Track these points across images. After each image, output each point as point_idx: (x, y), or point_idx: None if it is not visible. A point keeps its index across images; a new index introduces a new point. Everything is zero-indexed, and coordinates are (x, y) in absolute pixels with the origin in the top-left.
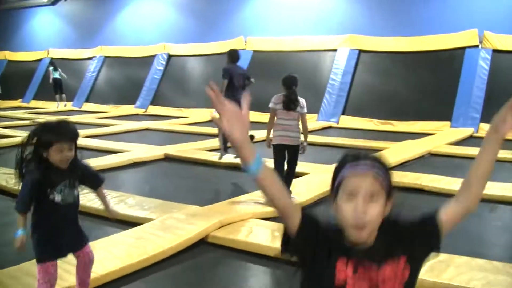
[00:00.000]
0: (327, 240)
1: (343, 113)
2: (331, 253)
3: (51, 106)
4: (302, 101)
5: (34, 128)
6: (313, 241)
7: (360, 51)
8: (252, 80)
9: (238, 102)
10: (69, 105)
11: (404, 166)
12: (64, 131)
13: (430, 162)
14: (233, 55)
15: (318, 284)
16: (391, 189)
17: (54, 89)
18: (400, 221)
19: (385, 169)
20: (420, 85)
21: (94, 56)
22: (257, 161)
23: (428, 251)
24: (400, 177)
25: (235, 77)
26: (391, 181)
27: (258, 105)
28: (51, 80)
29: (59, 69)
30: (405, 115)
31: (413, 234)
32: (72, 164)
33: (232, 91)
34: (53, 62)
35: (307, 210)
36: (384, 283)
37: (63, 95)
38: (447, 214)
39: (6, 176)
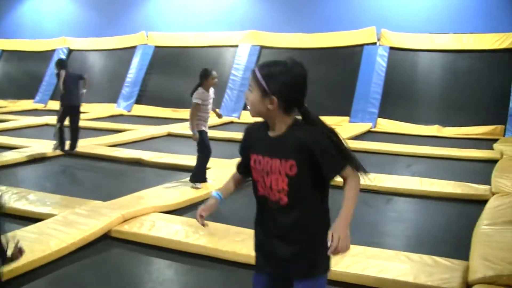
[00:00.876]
0: (248, 139)
1: (244, 108)
2: (248, 151)
3: None
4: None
5: None
6: (242, 147)
7: (261, 47)
8: (86, 76)
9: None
10: None
11: None
12: None
13: None
14: (61, 63)
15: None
16: (267, 91)
17: None
18: (301, 131)
19: (265, 75)
20: (320, 81)
21: None
22: (218, 195)
23: (313, 166)
24: None
25: (70, 82)
26: (269, 84)
27: (160, 100)
28: None
29: None
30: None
31: (306, 147)
32: None
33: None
34: None
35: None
36: (272, 172)
37: None
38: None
39: None
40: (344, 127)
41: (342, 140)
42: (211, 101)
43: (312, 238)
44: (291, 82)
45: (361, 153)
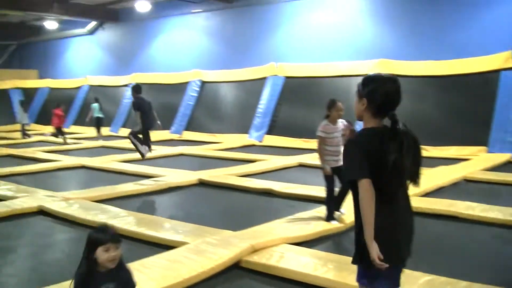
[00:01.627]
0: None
1: None
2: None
3: (89, 131)
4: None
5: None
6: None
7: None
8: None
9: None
10: (107, 131)
11: (438, 192)
12: (108, 233)
13: (465, 188)
14: (137, 88)
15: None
16: (361, 93)
17: (95, 126)
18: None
19: (362, 82)
20: (453, 109)
21: (130, 83)
22: None
23: None
24: (434, 204)
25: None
26: (363, 88)
27: (291, 130)
28: (88, 119)
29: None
30: (439, 140)
31: None
32: (118, 267)
33: (147, 120)
34: (98, 99)
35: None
36: None
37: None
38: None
39: (49, 198)
40: (480, 158)
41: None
42: (338, 134)
43: None
44: (379, 90)
45: (499, 185)
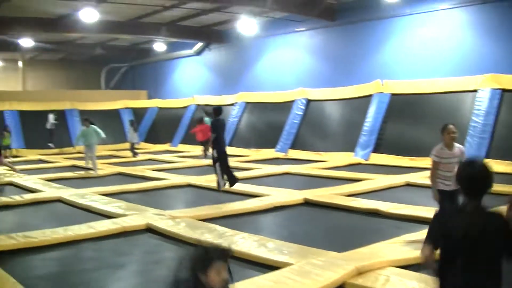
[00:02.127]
0: None
1: (487, 156)
2: None
3: (196, 150)
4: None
5: (193, 251)
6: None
7: (503, 90)
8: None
9: (225, 152)
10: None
11: None
12: (219, 253)
13: None
14: (217, 110)
15: None
16: None
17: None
18: None
19: None
20: None
21: (236, 102)
22: None
23: None
24: None
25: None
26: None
27: (398, 148)
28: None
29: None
30: None
31: None
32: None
33: (221, 143)
34: (208, 112)
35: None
36: None
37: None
38: None
39: (157, 216)
40: None
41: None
42: (454, 160)
43: None
44: (461, 176)
45: None
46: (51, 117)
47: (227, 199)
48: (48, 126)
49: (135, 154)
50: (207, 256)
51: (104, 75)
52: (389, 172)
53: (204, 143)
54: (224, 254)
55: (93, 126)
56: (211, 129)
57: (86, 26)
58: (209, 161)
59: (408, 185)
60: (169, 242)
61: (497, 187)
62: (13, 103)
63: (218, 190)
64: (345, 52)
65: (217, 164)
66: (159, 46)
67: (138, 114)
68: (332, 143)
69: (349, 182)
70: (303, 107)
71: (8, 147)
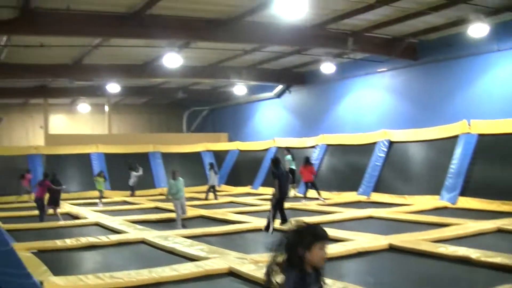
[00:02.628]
0: None
1: None
2: None
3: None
4: None
5: (294, 229)
6: None
7: None
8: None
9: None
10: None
11: None
12: (323, 231)
13: None
14: (275, 161)
15: None
16: None
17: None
18: None
19: None
20: None
21: (317, 144)
22: None
23: None
24: None
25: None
26: None
27: (487, 191)
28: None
29: (291, 157)
30: None
31: None
32: (319, 269)
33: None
34: (289, 149)
35: None
36: None
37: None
38: None
39: (239, 260)
40: None
41: None
42: None
43: None
44: None
45: None
46: (134, 174)
47: None
48: (131, 183)
49: (215, 196)
50: (315, 232)
51: (185, 118)
52: (479, 217)
53: (306, 184)
54: (327, 234)
55: (180, 179)
56: (273, 176)
57: (169, 71)
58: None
59: (500, 231)
60: (251, 287)
61: None
62: (99, 146)
63: (265, 230)
64: (429, 92)
65: (273, 209)
66: (240, 89)
67: (219, 156)
68: (417, 186)
69: (436, 227)
70: (385, 149)
71: (101, 192)
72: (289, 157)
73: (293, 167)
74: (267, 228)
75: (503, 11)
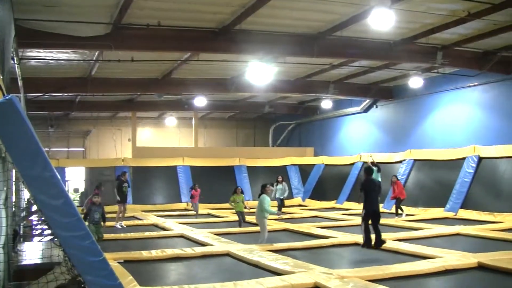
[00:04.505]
0: None
1: None
2: None
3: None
4: None
5: None
6: None
7: None
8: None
9: (375, 211)
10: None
11: None
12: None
13: None
14: (368, 170)
15: None
16: None
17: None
18: None
19: None
20: None
21: (404, 160)
22: None
23: None
24: None
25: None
26: None
27: None
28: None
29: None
30: None
31: None
32: None
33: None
34: (377, 164)
35: None
36: None
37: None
38: None
39: (325, 275)
40: None
41: None
42: None
43: None
44: None
45: None
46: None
47: (397, 260)
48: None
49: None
50: None
51: (271, 132)
52: None
53: (396, 202)
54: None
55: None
56: (361, 188)
57: (256, 85)
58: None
59: None
60: None
61: None
62: (186, 158)
63: (362, 246)
64: None
65: (363, 223)
66: (326, 103)
67: (305, 171)
68: (506, 203)
69: None
70: (474, 165)
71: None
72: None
73: (379, 180)
74: (364, 244)
75: None
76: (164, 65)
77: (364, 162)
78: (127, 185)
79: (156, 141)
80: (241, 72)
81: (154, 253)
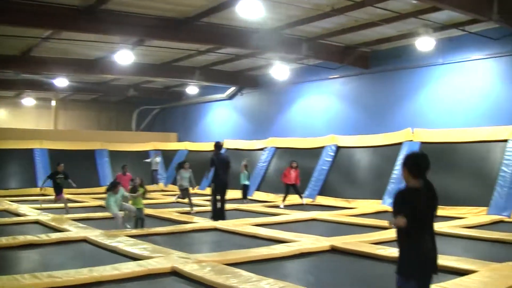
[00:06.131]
0: None
1: None
2: None
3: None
4: None
5: None
6: None
7: None
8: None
9: (223, 186)
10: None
11: None
12: None
13: None
14: (217, 145)
15: None
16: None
17: (242, 194)
18: None
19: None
20: None
21: (266, 147)
22: None
23: None
24: None
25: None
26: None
27: None
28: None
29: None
30: None
31: None
32: None
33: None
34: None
35: None
36: None
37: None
38: None
39: (183, 260)
40: None
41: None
42: None
43: None
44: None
45: None
46: (158, 159)
47: (254, 244)
48: (153, 167)
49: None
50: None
51: (135, 116)
52: None
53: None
54: None
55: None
56: (210, 164)
57: (121, 68)
58: (236, 206)
59: (436, 233)
60: (194, 286)
61: None
62: (44, 141)
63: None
64: (377, 100)
65: (212, 197)
66: (192, 89)
67: (168, 156)
68: (361, 190)
69: (377, 230)
70: (332, 154)
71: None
72: (245, 173)
73: (247, 183)
74: (213, 217)
75: (449, 28)
76: (24, 41)
77: (227, 149)
78: None
79: (12, 122)
80: (106, 53)
81: (5, 240)
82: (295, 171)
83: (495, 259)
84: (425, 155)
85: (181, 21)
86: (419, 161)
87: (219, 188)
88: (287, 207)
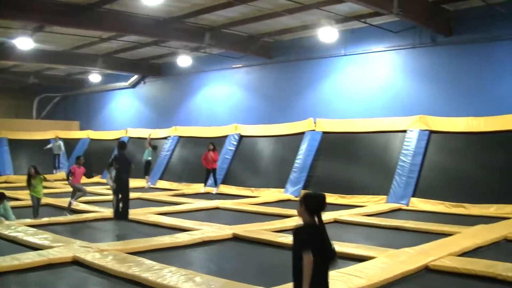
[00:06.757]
0: None
1: (413, 195)
2: None
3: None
4: None
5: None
6: None
7: (431, 131)
8: (133, 166)
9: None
10: (144, 183)
11: (476, 252)
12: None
13: (505, 248)
14: (121, 144)
15: None
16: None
17: (144, 170)
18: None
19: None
20: (494, 166)
21: (169, 136)
22: None
23: None
24: (472, 264)
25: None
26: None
27: (328, 185)
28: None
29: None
30: (479, 197)
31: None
32: None
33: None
34: (154, 145)
35: None
36: None
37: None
38: None
39: (84, 249)
40: None
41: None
42: None
43: None
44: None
45: None
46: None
47: (156, 233)
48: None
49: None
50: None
51: (36, 104)
52: None
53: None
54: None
55: None
56: (114, 162)
57: (21, 54)
58: (139, 195)
59: (336, 221)
60: (96, 275)
61: (422, 226)
62: None
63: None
64: (280, 90)
65: (114, 196)
66: (94, 77)
67: (70, 144)
68: (264, 179)
69: (279, 218)
70: (235, 143)
71: None
72: (149, 150)
73: (149, 158)
74: (115, 217)
75: (351, 20)
76: None
77: (130, 138)
78: None
79: None
80: (4, 39)
81: None
82: (214, 153)
83: (393, 246)
84: (324, 196)
85: (83, 8)
86: (321, 203)
87: (120, 188)
88: (190, 196)
